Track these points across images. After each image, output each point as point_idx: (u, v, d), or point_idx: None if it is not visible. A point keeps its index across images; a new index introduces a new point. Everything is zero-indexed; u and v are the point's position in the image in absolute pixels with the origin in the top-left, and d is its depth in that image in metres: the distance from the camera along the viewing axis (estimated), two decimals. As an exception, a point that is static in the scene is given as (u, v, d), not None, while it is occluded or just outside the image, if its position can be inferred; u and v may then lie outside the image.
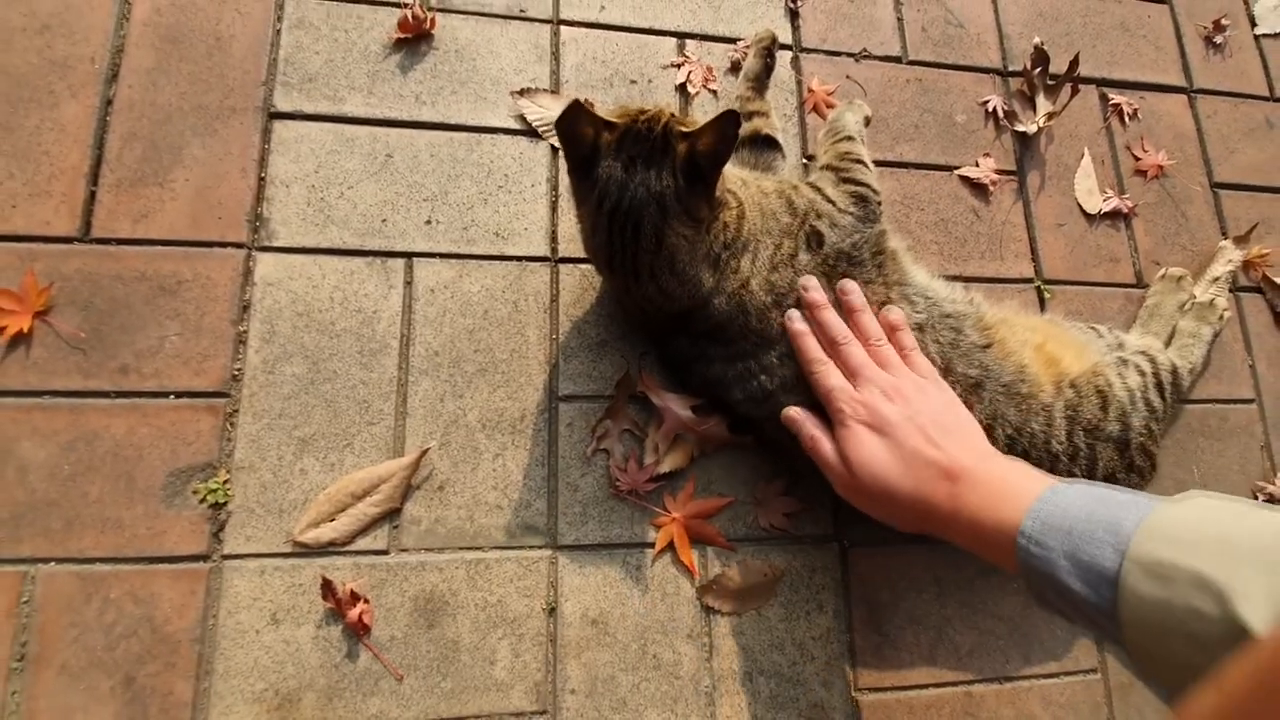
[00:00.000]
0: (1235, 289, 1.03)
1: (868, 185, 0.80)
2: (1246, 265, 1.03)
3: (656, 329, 0.78)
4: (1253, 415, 0.98)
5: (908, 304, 0.73)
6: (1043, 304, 0.96)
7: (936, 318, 0.73)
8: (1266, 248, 1.04)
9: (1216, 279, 0.99)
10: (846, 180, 0.80)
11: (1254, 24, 1.17)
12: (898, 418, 0.65)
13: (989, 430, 0.71)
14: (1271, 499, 0.95)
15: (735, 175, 0.77)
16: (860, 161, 0.83)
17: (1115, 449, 0.76)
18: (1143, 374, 0.81)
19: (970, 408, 0.71)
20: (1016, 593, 0.85)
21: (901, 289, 0.74)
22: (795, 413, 0.70)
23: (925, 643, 0.81)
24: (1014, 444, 0.72)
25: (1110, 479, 0.76)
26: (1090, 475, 0.75)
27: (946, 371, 0.71)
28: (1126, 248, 1.01)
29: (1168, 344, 0.94)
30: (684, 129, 0.67)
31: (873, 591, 0.81)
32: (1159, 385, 0.82)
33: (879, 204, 0.80)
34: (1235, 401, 0.98)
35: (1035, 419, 0.73)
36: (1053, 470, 0.73)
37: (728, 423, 0.77)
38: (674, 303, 0.71)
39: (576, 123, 0.64)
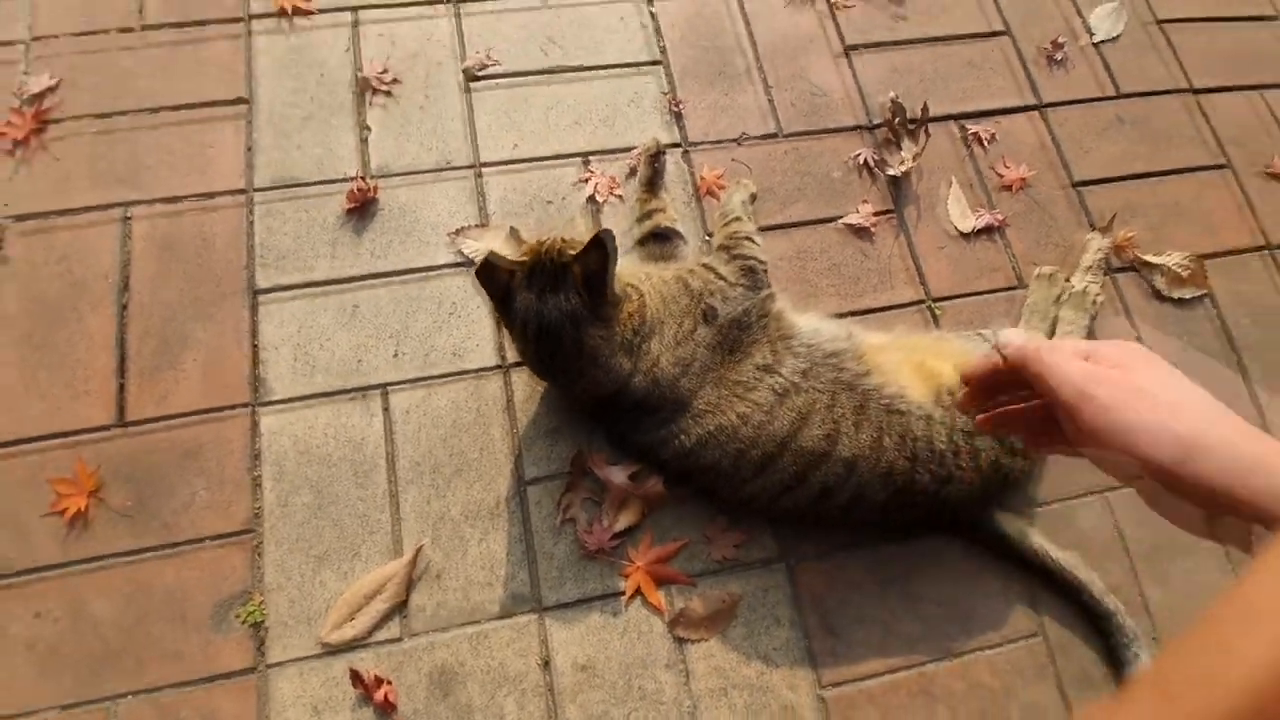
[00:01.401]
0: (1112, 271, 1.16)
1: (754, 258, 0.95)
2: (1118, 249, 1.16)
3: (595, 411, 0.92)
4: (1144, 382, 1.10)
5: (792, 355, 0.87)
6: (936, 320, 1.09)
7: (819, 359, 0.87)
8: (1131, 230, 1.17)
9: (1089, 268, 1.12)
10: (736, 256, 0.95)
11: (1091, 34, 1.33)
12: None
13: (878, 440, 0.84)
14: None
15: (637, 271, 0.93)
16: (747, 238, 0.98)
17: (994, 440, 0.88)
18: (1015, 372, 0.94)
19: (859, 427, 0.84)
20: (951, 577, 0.96)
21: (785, 343, 0.88)
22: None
23: (875, 636, 0.92)
24: (902, 447, 0.85)
25: (997, 467, 0.88)
26: (976, 468, 0.87)
27: (833, 401, 0.85)
28: (1003, 256, 1.15)
29: (1052, 333, 1.07)
30: (573, 251, 0.82)
31: (821, 600, 0.93)
32: (1034, 378, 0.94)
33: (765, 271, 0.95)
34: (1126, 372, 1.10)
35: (917, 425, 0.86)
36: (940, 464, 0.86)
37: (664, 480, 0.91)
38: (602, 389, 0.86)
39: (490, 273, 0.80)
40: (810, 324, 0.92)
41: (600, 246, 0.78)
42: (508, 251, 0.90)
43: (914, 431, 0.86)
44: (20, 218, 1.00)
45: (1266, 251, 1.22)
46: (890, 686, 0.91)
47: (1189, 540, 1.00)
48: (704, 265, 0.94)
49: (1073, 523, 1.00)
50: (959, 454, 0.87)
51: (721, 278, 0.92)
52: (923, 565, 0.96)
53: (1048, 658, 0.94)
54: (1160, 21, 1.36)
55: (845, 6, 1.27)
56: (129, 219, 1.01)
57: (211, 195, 1.03)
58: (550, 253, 0.82)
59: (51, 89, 1.06)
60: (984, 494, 0.90)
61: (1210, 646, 0.31)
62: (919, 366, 0.93)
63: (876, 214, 1.14)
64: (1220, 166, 1.27)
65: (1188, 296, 1.15)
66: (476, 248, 1.03)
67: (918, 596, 0.95)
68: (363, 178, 1.05)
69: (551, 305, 0.81)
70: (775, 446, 0.84)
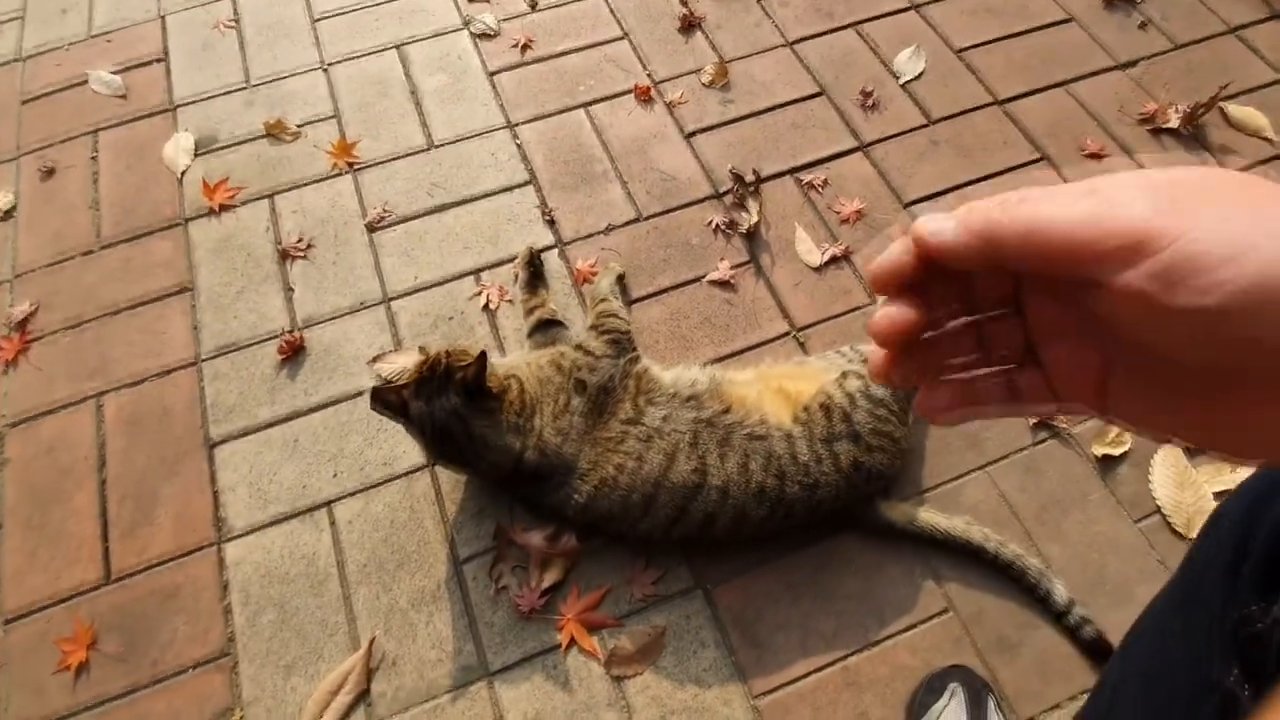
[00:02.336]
0: (954, 272, 1.30)
1: (618, 330, 1.11)
2: (953, 252, 1.31)
3: (506, 486, 1.06)
4: (1001, 361, 1.22)
5: (652, 405, 1.01)
6: (804, 348, 1.23)
7: (678, 405, 1.01)
8: (960, 234, 1.32)
9: (929, 273, 1.27)
10: (604, 331, 1.11)
11: (897, 77, 1.53)
12: None
13: (744, 465, 0.97)
14: (1040, 420, 1.16)
15: (520, 360, 1.09)
16: (613, 315, 1.14)
17: (850, 441, 1.00)
18: (861, 376, 1.06)
19: (724, 458, 0.97)
20: (856, 571, 1.05)
21: (648, 396, 1.02)
22: None
23: (795, 640, 1.01)
24: (768, 467, 0.97)
25: (857, 465, 1.00)
26: (839, 470, 0.99)
27: (695, 440, 0.98)
28: (853, 280, 1.30)
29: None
30: (459, 365, 0.97)
31: (739, 616, 1.02)
32: (881, 379, 1.07)
33: (629, 339, 1.10)
34: (983, 356, 1.22)
35: (779, 445, 0.99)
36: (805, 474, 0.98)
37: (575, 536, 1.03)
38: (501, 468, 1.00)
39: (383, 399, 0.96)
40: (671, 375, 1.07)
41: (479, 362, 0.93)
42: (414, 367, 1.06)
43: (776, 451, 0.98)
44: (14, 423, 1.18)
45: (1095, 224, 1.36)
46: (818, 684, 0.99)
47: (1075, 494, 1.09)
48: (576, 346, 1.09)
49: (960, 500, 1.10)
50: (820, 461, 0.99)
51: (590, 353, 1.07)
52: (828, 565, 1.06)
53: (962, 630, 1.02)
54: (958, 51, 1.57)
55: (681, 102, 1.48)
56: (101, 405, 1.19)
57: (168, 371, 1.22)
58: (436, 365, 0.98)
59: (32, 313, 1.28)
60: (852, 491, 1.01)
61: None
62: (778, 391, 1.06)
63: (735, 267, 1.30)
64: (1037, 160, 1.43)
65: (1025, 278, 1.28)
66: (392, 369, 1.19)
67: (829, 595, 1.04)
68: (290, 331, 1.23)
69: (439, 408, 0.96)
70: (651, 486, 0.96)
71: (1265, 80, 1.55)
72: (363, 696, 0.98)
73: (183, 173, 1.43)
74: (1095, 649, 0.98)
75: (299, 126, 1.48)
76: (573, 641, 1.00)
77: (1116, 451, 1.14)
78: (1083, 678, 0.99)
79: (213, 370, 1.22)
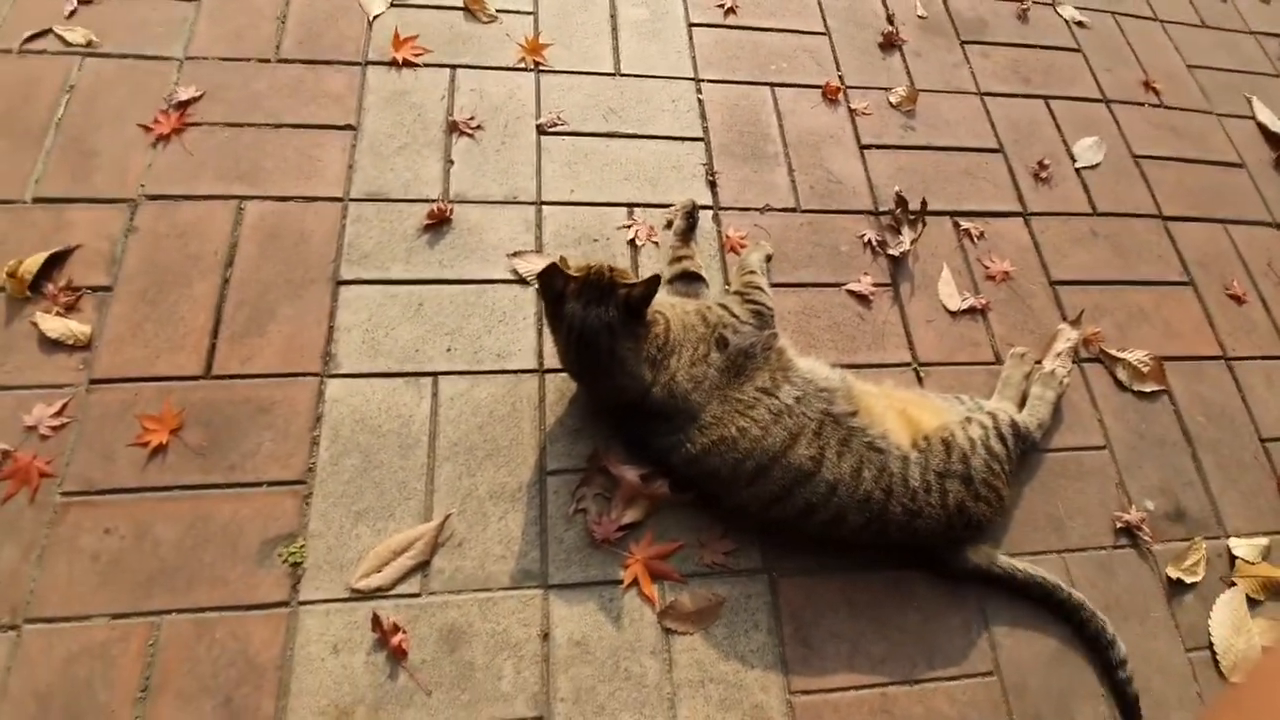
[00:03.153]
0: (1080, 360, 1.31)
1: (763, 304, 1.11)
2: (1086, 341, 1.32)
3: (617, 416, 1.06)
4: (1104, 459, 1.22)
5: (788, 384, 1.01)
6: (920, 381, 1.24)
7: (812, 392, 1.01)
8: (1097, 327, 1.33)
9: (1059, 354, 1.27)
10: (748, 301, 1.11)
11: (1074, 160, 1.53)
12: None
13: (858, 470, 0.97)
14: (1126, 526, 1.17)
15: (667, 301, 1.09)
16: (759, 288, 1.14)
17: (961, 483, 1.00)
18: (984, 427, 1.07)
19: (841, 457, 0.97)
20: (918, 609, 1.06)
21: (785, 373, 1.02)
22: None
23: (844, 653, 1.01)
24: (879, 480, 0.97)
25: (961, 507, 1.00)
26: (944, 506, 0.99)
27: (820, 429, 0.98)
28: (985, 335, 1.30)
29: (1021, 404, 1.20)
30: (623, 281, 0.97)
31: (798, 612, 1.03)
32: (1000, 435, 1.07)
33: (772, 316, 1.11)
34: (1089, 448, 1.23)
35: (894, 462, 0.99)
36: (912, 499, 0.98)
37: (670, 484, 1.03)
38: (626, 395, 1.00)
39: (551, 276, 0.96)
40: (808, 364, 1.07)
41: (651, 284, 0.94)
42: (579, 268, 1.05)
43: (891, 468, 0.99)
44: (153, 197, 1.18)
45: (1223, 361, 1.37)
46: (855, 702, 0.99)
47: (1138, 605, 1.10)
48: (721, 304, 1.09)
49: (1031, 575, 1.11)
50: (930, 491, 0.99)
51: (735, 315, 1.07)
52: (894, 595, 1.06)
53: (1001, 696, 1.03)
54: (1136, 156, 1.57)
55: (864, 113, 1.48)
56: (242, 209, 1.19)
57: (313, 199, 1.21)
58: (602, 275, 0.98)
59: (196, 99, 1.27)
60: (949, 531, 1.01)
61: None
62: (901, 414, 1.07)
63: (876, 285, 1.30)
64: (1184, 283, 1.44)
65: (1147, 390, 1.29)
66: (529, 268, 1.19)
67: (886, 622, 1.05)
68: (442, 200, 1.23)
69: (594, 316, 0.96)
70: (768, 460, 0.96)
71: None
72: (423, 566, 0.98)
73: (375, 16, 1.42)
74: (1134, 711, 1.02)
75: (498, 11, 1.48)
76: (635, 582, 1.01)
77: (1189, 579, 1.15)
78: (1106, 780, 0.99)
79: (357, 212, 1.21)
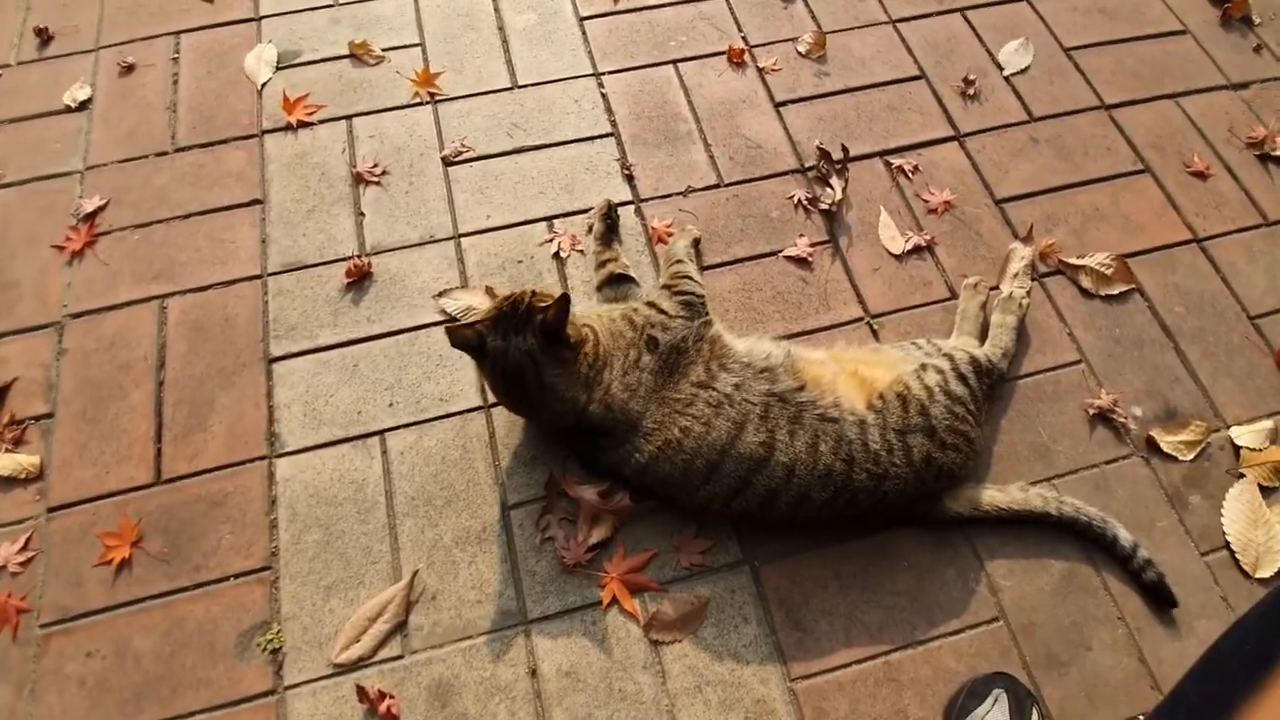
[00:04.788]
0: (1040, 277, 1.25)
1: (692, 293, 1.08)
2: (1042, 255, 1.26)
3: (565, 438, 1.04)
4: (1081, 374, 1.17)
5: (725, 371, 0.98)
6: (876, 334, 1.19)
7: (751, 375, 0.98)
8: (1052, 238, 1.27)
9: (1015, 274, 1.22)
10: (677, 293, 1.08)
11: (1001, 68, 1.47)
12: None
13: (814, 445, 0.94)
14: (1100, 412, 1.12)
15: (594, 311, 1.06)
16: (687, 276, 1.11)
17: (924, 436, 0.97)
18: (941, 372, 1.03)
19: (794, 435, 0.94)
20: (909, 568, 1.02)
21: (721, 361, 0.99)
22: None
23: (840, 629, 0.99)
24: (838, 451, 0.94)
25: (929, 460, 0.96)
26: (910, 463, 0.95)
27: (766, 412, 0.95)
28: (935, 272, 1.25)
29: (983, 335, 1.16)
30: (541, 304, 0.95)
31: (786, 597, 1.00)
32: (960, 376, 1.03)
33: (703, 303, 1.07)
34: (1063, 366, 1.18)
35: (851, 429, 0.95)
36: (875, 463, 0.94)
37: (630, 495, 1.01)
38: (564, 419, 0.98)
39: (459, 334, 0.94)
40: (744, 345, 1.03)
41: (561, 305, 0.90)
42: (483, 306, 1.04)
43: (848, 436, 0.95)
44: (76, 315, 1.18)
45: (1195, 244, 1.30)
46: (858, 676, 0.97)
47: (1142, 519, 1.06)
48: (648, 303, 1.06)
49: (1023, 510, 1.07)
50: (892, 452, 0.96)
51: (663, 312, 1.04)
52: (882, 559, 1.03)
53: (1010, 640, 0.99)
54: (1068, 50, 1.50)
55: (774, 70, 1.43)
56: (164, 308, 1.18)
57: (232, 282, 1.21)
58: (519, 303, 0.95)
59: (101, 208, 1.27)
60: (921, 486, 0.97)
61: None
62: (853, 376, 1.03)
63: (813, 245, 1.26)
64: (1139, 172, 1.37)
65: (1115, 293, 1.23)
66: (457, 306, 1.17)
67: (879, 589, 1.01)
68: (359, 255, 1.21)
69: (515, 348, 0.93)
70: (716, 455, 0.94)
71: (1393, 116, 1.46)
72: (400, 627, 0.97)
73: (263, 85, 1.40)
74: (1158, 593, 1.00)
75: (384, 51, 1.45)
76: (614, 600, 0.99)
77: (1181, 456, 1.10)
78: (1129, 706, 0.95)
79: (278, 286, 1.20)
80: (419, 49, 1.46)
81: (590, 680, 0.95)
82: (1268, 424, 1.14)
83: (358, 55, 1.44)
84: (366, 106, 1.39)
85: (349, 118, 1.37)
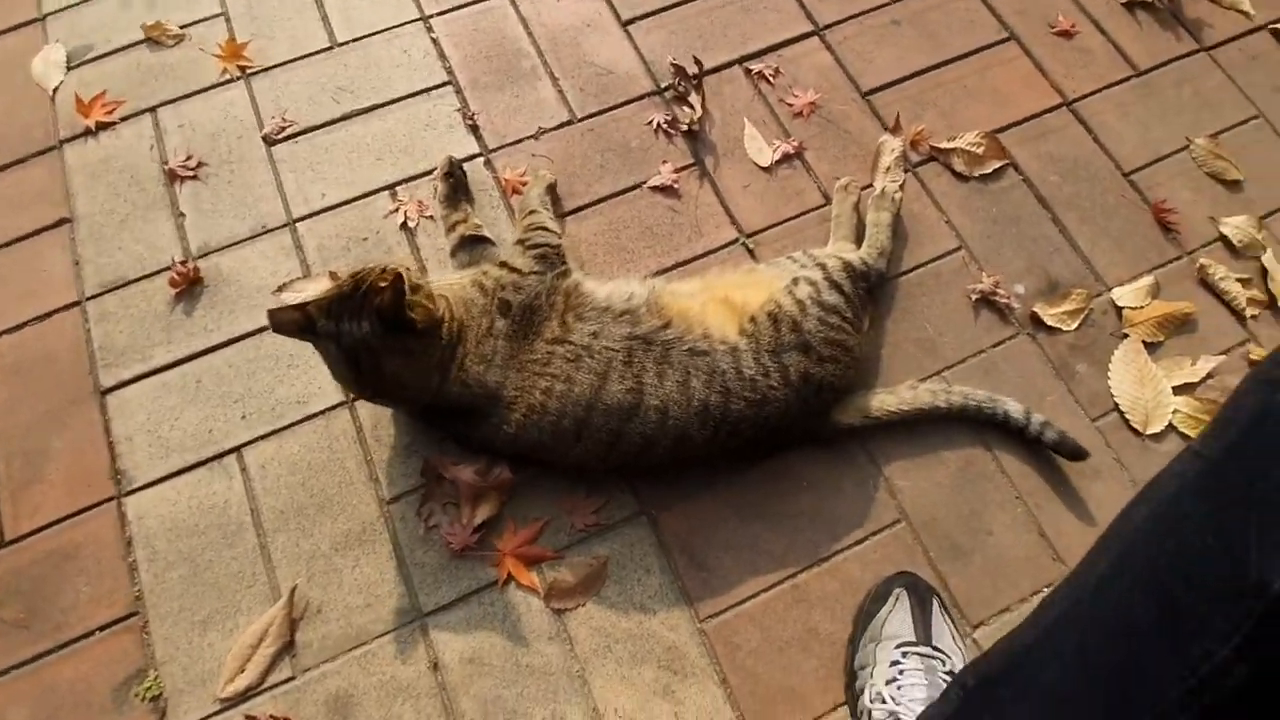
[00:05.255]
0: (914, 167, 1.20)
1: (546, 244, 1.00)
2: (913, 144, 1.21)
3: (431, 420, 0.97)
4: (962, 260, 1.14)
5: (582, 323, 0.92)
6: (754, 255, 1.14)
7: (610, 321, 0.92)
8: (920, 124, 1.21)
9: (887, 169, 1.17)
10: (530, 246, 1.00)
11: (855, -49, 1.38)
12: None
13: (685, 383, 0.89)
14: (982, 296, 1.10)
15: (447, 281, 0.98)
16: (542, 227, 1.03)
17: (799, 353, 0.92)
18: (813, 283, 0.98)
19: (662, 376, 0.89)
20: (808, 488, 1.00)
21: (577, 313, 0.93)
22: None
23: (744, 561, 0.96)
24: (711, 384, 0.90)
25: (807, 378, 0.92)
26: (788, 384, 0.91)
27: (629, 358, 0.89)
28: (807, 179, 1.19)
29: (859, 237, 1.11)
30: (382, 283, 0.85)
31: (686, 540, 0.97)
32: (833, 284, 0.99)
33: (558, 253, 1.00)
34: (943, 255, 1.14)
35: (723, 359, 0.91)
36: (752, 389, 0.90)
37: (510, 466, 0.96)
38: (418, 403, 0.91)
39: (280, 317, 0.85)
40: (609, 289, 0.97)
41: (395, 286, 0.81)
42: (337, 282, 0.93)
43: (720, 366, 0.91)
44: (-127, 380, 1.06)
45: (1065, 107, 1.27)
46: (766, 603, 0.95)
47: (1033, 395, 1.05)
48: (500, 263, 0.99)
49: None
50: (768, 374, 0.92)
51: (515, 270, 0.96)
52: (780, 484, 1.00)
53: (914, 539, 0.98)
54: (922, -79, 1.41)
55: (614, -14, 1.32)
56: (-26, 356, 1.07)
57: (48, 315, 1.09)
58: (361, 282, 0.86)
59: (-118, 255, 1.12)
60: (804, 405, 0.94)
61: None
62: (724, 302, 0.98)
63: (678, 170, 1.18)
64: (1004, 40, 1.31)
65: (989, 171, 1.19)
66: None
67: (780, 514, 0.99)
68: (183, 261, 1.10)
69: (347, 334, 0.85)
70: (583, 410, 0.88)
71: (1250, -56, 1.42)
72: (287, 648, 0.92)
73: (55, 89, 1.24)
74: (1065, 449, 0.99)
75: (182, 28, 1.30)
76: (510, 577, 0.95)
77: (1063, 327, 1.09)
78: (1032, 581, 0.96)
79: (99, 310, 1.09)
80: (222, 19, 1.30)
81: (495, 662, 0.91)
82: (1148, 280, 1.13)
83: (154, 38, 1.28)
84: (171, 94, 1.24)
85: (153, 109, 1.23)
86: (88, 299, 1.10)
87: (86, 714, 0.89)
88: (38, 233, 1.15)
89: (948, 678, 0.83)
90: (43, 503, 0.99)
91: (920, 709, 0.79)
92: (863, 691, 0.86)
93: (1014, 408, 1.00)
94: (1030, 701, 0.58)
